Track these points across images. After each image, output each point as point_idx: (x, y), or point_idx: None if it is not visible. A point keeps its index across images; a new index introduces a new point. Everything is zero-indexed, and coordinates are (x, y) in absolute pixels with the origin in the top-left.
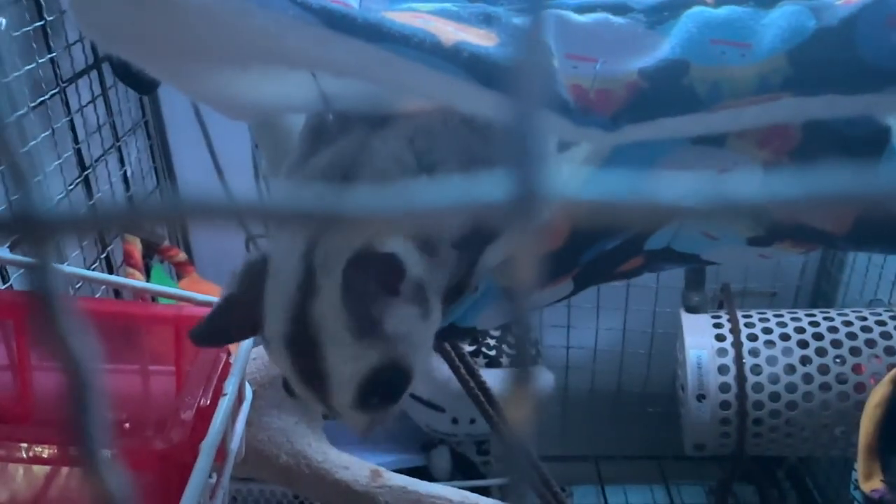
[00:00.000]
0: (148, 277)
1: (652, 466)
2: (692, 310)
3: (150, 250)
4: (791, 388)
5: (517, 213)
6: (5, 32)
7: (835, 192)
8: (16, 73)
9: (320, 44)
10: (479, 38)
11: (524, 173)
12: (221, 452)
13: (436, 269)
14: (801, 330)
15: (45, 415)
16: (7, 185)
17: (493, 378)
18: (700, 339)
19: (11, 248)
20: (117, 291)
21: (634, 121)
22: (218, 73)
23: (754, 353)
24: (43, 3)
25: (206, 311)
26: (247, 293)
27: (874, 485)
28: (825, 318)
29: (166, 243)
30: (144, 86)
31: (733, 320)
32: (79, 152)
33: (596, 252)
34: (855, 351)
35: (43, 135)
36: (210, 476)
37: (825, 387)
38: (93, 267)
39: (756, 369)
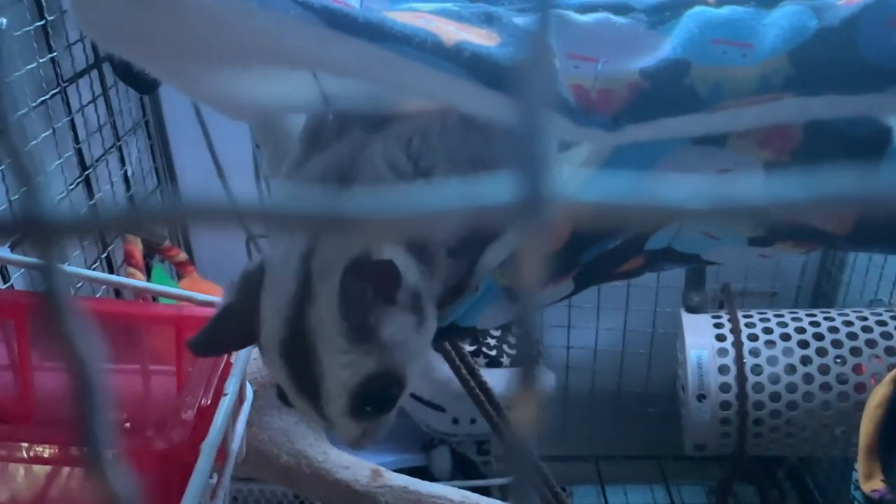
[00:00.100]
0: (149, 277)
1: (652, 466)
2: (693, 310)
3: (151, 250)
4: (791, 388)
5: (523, 214)
6: (7, 32)
7: (838, 194)
8: (17, 73)
9: (321, 44)
10: (481, 38)
11: (530, 174)
12: (222, 452)
13: (431, 278)
14: (801, 330)
15: (45, 415)
16: (7, 185)
17: (493, 378)
18: (700, 339)
19: (12, 248)
20: (118, 291)
21: (636, 121)
22: (218, 73)
23: (755, 353)
24: (44, 2)
25: (206, 310)
26: (245, 302)
27: (874, 485)
28: (826, 318)
29: (167, 243)
30: (145, 85)
31: (734, 320)
32: (79, 152)
33: (596, 252)
34: (855, 351)
35: (44, 134)
36: (211, 476)
37: (826, 387)
38: (93, 267)
39: (756, 369)
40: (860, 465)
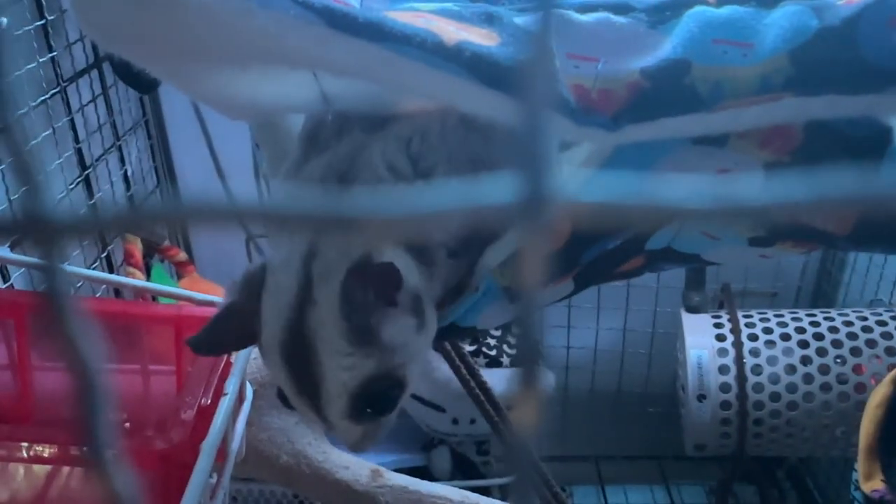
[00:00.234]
0: (148, 277)
1: (652, 466)
2: (693, 310)
3: (151, 250)
4: (791, 388)
5: (525, 214)
6: (7, 32)
7: (838, 194)
8: (17, 73)
9: (321, 43)
10: (481, 38)
11: (531, 174)
12: (222, 452)
13: (432, 279)
14: (801, 330)
15: (45, 414)
16: (8, 184)
17: (493, 378)
18: (700, 339)
19: (12, 248)
20: (117, 291)
21: (636, 121)
22: (218, 72)
23: (755, 353)
24: (44, 2)
25: (206, 310)
26: (246, 302)
27: (875, 485)
28: (826, 319)
29: (167, 243)
30: (145, 85)
31: (734, 320)
32: (79, 152)
33: (596, 252)
34: (856, 351)
35: (44, 134)
36: (210, 476)
37: (826, 387)
38: (93, 266)
39: (756, 369)
40: (860, 466)
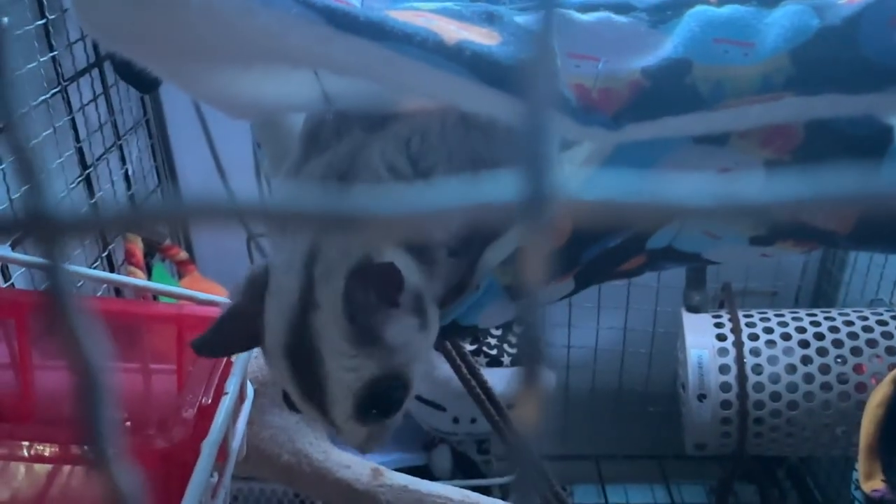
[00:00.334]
0: (149, 276)
1: (653, 465)
2: (693, 309)
3: (152, 249)
4: (792, 387)
5: (528, 212)
6: (8, 31)
7: (840, 193)
8: (17, 72)
9: (323, 42)
10: (482, 37)
11: (534, 172)
12: (223, 451)
13: (433, 278)
14: (802, 329)
15: (46, 413)
16: (8, 183)
17: (494, 377)
18: (701, 339)
19: (13, 247)
20: (118, 290)
21: (637, 120)
22: (220, 72)
23: (755, 352)
24: (45, 1)
25: (207, 309)
26: (249, 304)
27: (875, 485)
28: (826, 318)
29: (168, 242)
30: (146, 84)
31: (734, 320)
32: (80, 151)
33: (597, 251)
34: (856, 351)
35: (44, 133)
36: (211, 475)
37: (826, 386)
38: (94, 266)
39: (757, 369)
40: (861, 465)
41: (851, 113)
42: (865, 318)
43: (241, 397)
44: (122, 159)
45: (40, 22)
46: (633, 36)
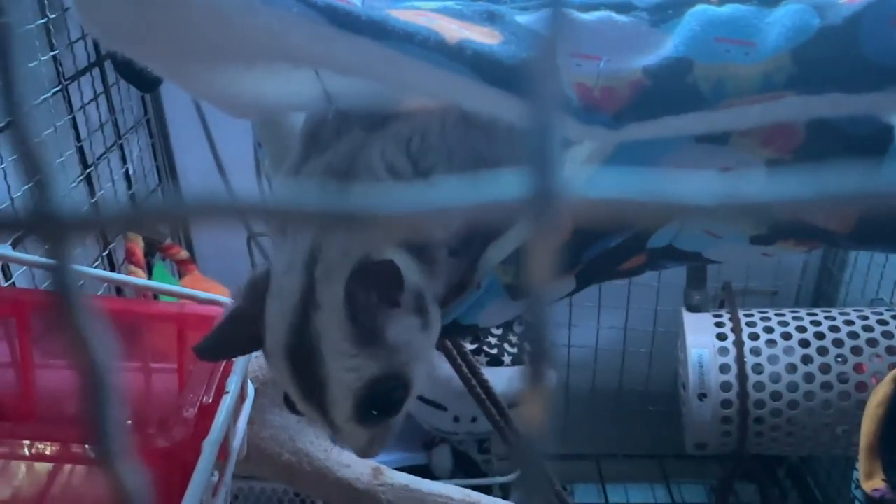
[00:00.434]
0: (150, 275)
1: (653, 465)
2: (694, 308)
3: (153, 248)
4: (792, 386)
5: (533, 210)
6: (11, 29)
7: (842, 193)
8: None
9: (324, 41)
10: (483, 37)
11: (542, 170)
12: (224, 450)
13: (434, 278)
14: (802, 329)
15: (47, 412)
16: (10, 182)
17: (495, 376)
18: (701, 338)
19: (14, 245)
20: (119, 289)
21: (638, 119)
22: (221, 71)
23: (756, 351)
24: (46, 0)
25: (208, 308)
26: (251, 307)
27: (875, 484)
28: (827, 317)
29: (168, 241)
30: (147, 83)
31: (735, 319)
32: (81, 150)
33: (598, 250)
34: (856, 350)
35: (45, 132)
36: (212, 474)
37: (826, 386)
38: (95, 265)
39: (757, 368)
40: (861, 464)
41: (852, 112)
42: (866, 318)
43: (241, 396)
44: (123, 158)
45: (41, 21)
46: (635, 35)
